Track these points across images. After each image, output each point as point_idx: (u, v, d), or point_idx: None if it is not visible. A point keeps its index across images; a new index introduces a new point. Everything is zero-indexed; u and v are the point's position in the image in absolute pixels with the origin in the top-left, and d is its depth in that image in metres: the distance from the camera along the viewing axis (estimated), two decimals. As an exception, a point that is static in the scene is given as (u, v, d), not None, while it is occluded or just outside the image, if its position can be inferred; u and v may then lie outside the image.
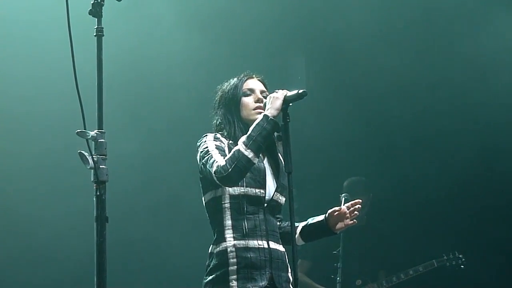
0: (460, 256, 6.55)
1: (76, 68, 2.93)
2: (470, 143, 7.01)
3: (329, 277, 6.17)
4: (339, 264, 5.96)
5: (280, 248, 3.85)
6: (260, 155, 3.77)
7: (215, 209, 3.79)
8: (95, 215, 2.89)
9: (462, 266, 6.55)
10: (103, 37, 3.01)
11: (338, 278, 5.96)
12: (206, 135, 3.83)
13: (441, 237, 6.90)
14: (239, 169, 3.59)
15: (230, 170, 3.57)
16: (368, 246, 6.63)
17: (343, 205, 6.13)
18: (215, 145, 3.74)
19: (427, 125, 7.20)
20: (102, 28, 3.02)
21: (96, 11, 3.01)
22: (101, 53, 3.00)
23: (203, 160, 3.70)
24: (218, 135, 3.85)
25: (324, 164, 7.26)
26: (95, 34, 3.03)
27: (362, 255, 6.55)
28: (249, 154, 3.60)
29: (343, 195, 6.38)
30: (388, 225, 6.91)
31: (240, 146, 3.63)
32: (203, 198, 3.88)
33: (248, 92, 3.91)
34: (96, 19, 3.03)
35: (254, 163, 3.65)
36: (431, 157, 7.19)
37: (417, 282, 6.62)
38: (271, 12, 7.14)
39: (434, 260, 6.56)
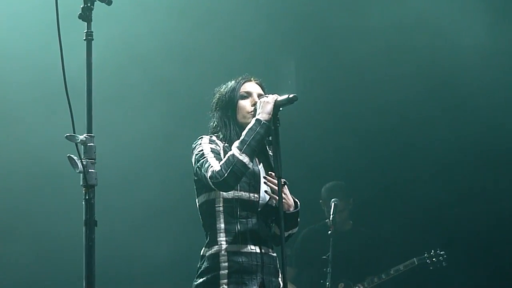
0: (442, 253, 6.43)
1: (65, 72, 2.83)
2: (455, 146, 6.95)
3: (317, 282, 6.06)
4: (328, 269, 5.85)
5: (272, 253, 3.73)
6: (256, 159, 3.69)
7: (208, 212, 3.67)
8: (84, 219, 2.79)
9: (444, 263, 6.43)
10: (92, 41, 2.92)
11: (327, 283, 5.86)
12: (202, 137, 3.72)
13: (428, 237, 6.79)
14: (235, 174, 3.48)
15: (226, 175, 3.46)
16: (355, 250, 6.51)
17: (332, 210, 6.19)
18: (211, 148, 3.64)
19: (414, 129, 7.12)
20: (92, 32, 2.92)
21: (85, 15, 2.91)
22: (90, 57, 2.91)
23: (198, 164, 3.60)
24: (214, 138, 3.74)
25: (313, 168, 7.17)
26: (84, 38, 2.93)
27: (349, 259, 6.44)
28: (244, 158, 3.49)
29: (333, 200, 6.31)
30: (375, 228, 6.81)
31: (234, 150, 3.52)
32: (196, 200, 3.77)
33: (245, 95, 3.79)
34: (86, 23, 2.93)
35: (249, 168, 3.54)
36: (418, 161, 7.11)
37: (403, 280, 6.52)
38: (261, 17, 7.06)
39: (414, 258, 6.46)
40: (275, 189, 3.58)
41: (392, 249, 6.68)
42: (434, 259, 6.43)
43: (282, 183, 3.59)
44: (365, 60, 7.01)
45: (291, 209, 3.68)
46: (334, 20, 6.98)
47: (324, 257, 5.90)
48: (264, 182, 3.62)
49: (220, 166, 3.49)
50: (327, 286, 5.87)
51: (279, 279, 3.70)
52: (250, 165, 3.53)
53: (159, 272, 6.69)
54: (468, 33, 6.75)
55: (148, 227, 6.75)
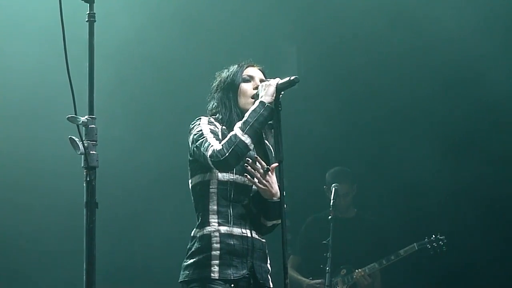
0: (442, 237, 6.40)
1: (67, 53, 2.80)
2: (461, 133, 6.89)
3: (320, 268, 6.04)
4: (328, 254, 5.83)
5: (262, 238, 3.71)
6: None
7: (201, 193, 3.65)
8: (84, 200, 2.78)
9: (444, 248, 6.39)
10: (95, 23, 2.89)
11: (327, 268, 5.84)
12: (200, 118, 3.69)
13: (430, 224, 6.74)
14: (236, 154, 3.45)
15: (227, 154, 3.43)
16: (358, 237, 6.49)
17: (332, 195, 6.17)
18: (210, 129, 3.60)
19: (419, 115, 7.07)
20: (94, 13, 2.89)
21: (88, -4, 2.89)
22: (92, 38, 2.88)
23: (197, 143, 3.56)
24: (212, 119, 3.70)
25: (314, 153, 7.13)
26: (87, 19, 2.90)
27: (352, 245, 6.41)
28: (246, 139, 3.47)
29: (333, 185, 6.29)
30: (377, 214, 6.79)
31: (237, 131, 3.49)
32: (189, 181, 3.73)
33: (248, 79, 3.76)
34: (88, 5, 2.90)
35: (251, 149, 3.52)
36: (423, 147, 7.04)
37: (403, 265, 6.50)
38: (263, 1, 6.98)
39: (415, 244, 6.42)
40: (255, 175, 3.56)
41: (394, 234, 6.65)
42: (434, 244, 6.38)
43: (265, 169, 3.58)
44: (368, 44, 6.97)
45: (275, 198, 3.62)
46: (336, 3, 6.92)
47: (324, 242, 5.88)
48: (245, 166, 3.58)
49: (222, 145, 3.46)
50: (327, 270, 5.85)
51: (268, 265, 3.70)
52: (252, 147, 3.51)
53: (159, 255, 6.66)
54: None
55: (148, 209, 6.73)
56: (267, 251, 3.72)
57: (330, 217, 6.00)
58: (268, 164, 3.65)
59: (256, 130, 3.50)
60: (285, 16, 7.12)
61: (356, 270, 6.39)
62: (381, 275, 6.52)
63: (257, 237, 3.66)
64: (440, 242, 6.38)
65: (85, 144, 2.77)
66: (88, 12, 2.89)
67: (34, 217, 6.46)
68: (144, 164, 6.75)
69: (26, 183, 6.45)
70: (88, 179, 2.77)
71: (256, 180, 3.58)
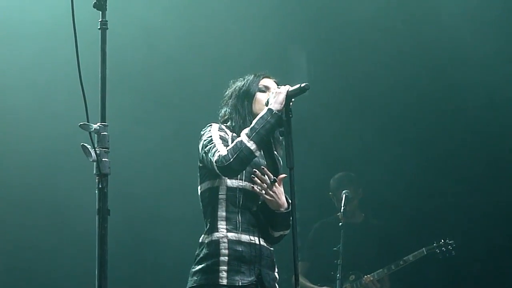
0: (451, 242, 6.36)
1: (80, 61, 2.79)
2: (466, 135, 6.88)
3: (329, 274, 6.01)
4: (339, 260, 5.81)
5: (269, 246, 3.70)
6: (261, 153, 3.66)
7: (210, 200, 3.65)
8: (97, 207, 2.77)
9: (453, 252, 6.35)
10: (107, 30, 2.89)
11: (338, 275, 5.82)
12: (211, 125, 3.70)
13: (438, 229, 6.71)
14: (241, 160, 3.45)
15: (231, 160, 3.44)
16: (366, 242, 6.45)
17: (343, 202, 6.15)
18: (220, 135, 3.61)
19: (426, 118, 7.04)
20: (106, 21, 2.89)
21: (100, 4, 2.88)
22: (105, 46, 2.87)
23: (206, 149, 3.57)
24: (223, 126, 3.71)
25: (323, 158, 7.10)
26: (99, 27, 2.90)
27: (360, 251, 6.38)
28: (251, 145, 3.46)
29: (344, 191, 6.27)
30: (386, 219, 6.74)
31: (243, 137, 3.50)
32: (199, 187, 3.73)
33: (263, 89, 3.77)
34: (101, 12, 2.89)
35: (256, 156, 3.51)
36: (430, 152, 7.02)
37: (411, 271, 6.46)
38: (272, 6, 6.98)
39: (423, 248, 6.38)
40: (261, 186, 3.56)
41: (402, 239, 6.61)
42: (443, 248, 6.35)
43: (272, 180, 3.58)
44: (377, 49, 6.94)
45: (282, 209, 3.62)
46: (345, 8, 6.90)
47: (335, 248, 5.86)
48: (252, 177, 3.59)
49: (227, 151, 3.46)
50: (337, 277, 5.83)
51: (276, 273, 3.69)
52: (257, 153, 3.51)
53: (170, 262, 6.64)
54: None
55: (160, 216, 6.71)
56: (274, 259, 3.70)
57: (340, 224, 5.98)
58: (276, 175, 3.63)
59: (262, 137, 3.50)
60: (295, 23, 7.11)
61: (365, 276, 6.36)
62: (390, 280, 6.48)
63: (265, 245, 3.65)
64: (449, 247, 6.35)
65: (97, 151, 2.76)
66: (100, 19, 2.88)
67: (46, 223, 6.45)
68: (155, 170, 6.74)
69: (39, 189, 6.45)
70: (100, 186, 2.76)
71: (262, 191, 3.57)
